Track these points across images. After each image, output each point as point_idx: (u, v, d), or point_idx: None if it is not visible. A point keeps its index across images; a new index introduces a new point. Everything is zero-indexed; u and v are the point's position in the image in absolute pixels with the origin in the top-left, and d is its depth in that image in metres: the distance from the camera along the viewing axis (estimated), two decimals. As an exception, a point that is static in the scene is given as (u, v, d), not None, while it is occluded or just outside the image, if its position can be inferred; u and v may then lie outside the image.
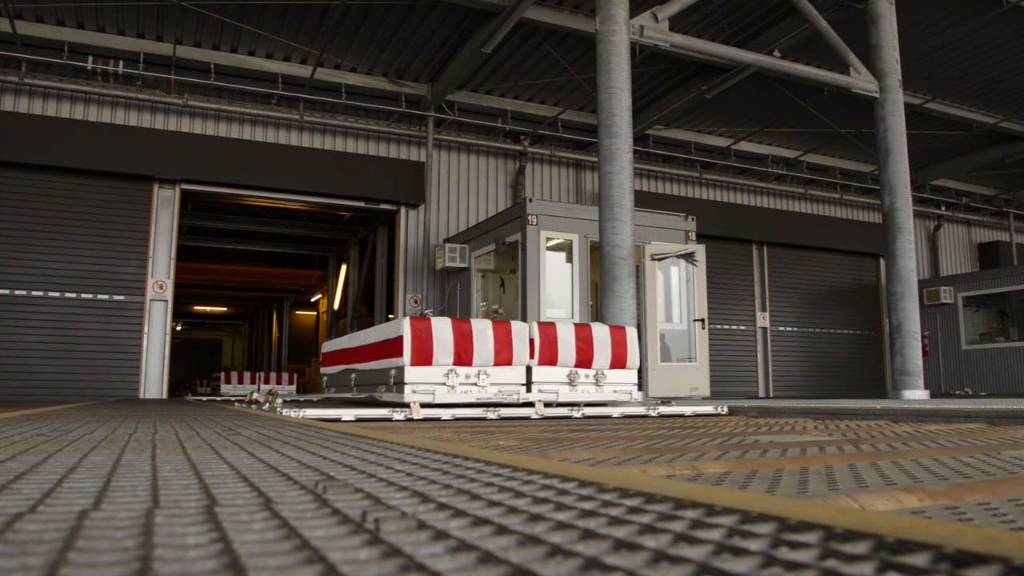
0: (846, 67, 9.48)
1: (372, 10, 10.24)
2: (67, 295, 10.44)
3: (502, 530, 0.79)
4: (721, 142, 14.94)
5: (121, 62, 10.78)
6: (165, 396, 10.85)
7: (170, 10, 10.08)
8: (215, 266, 21.37)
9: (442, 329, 5.34)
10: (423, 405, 5.20)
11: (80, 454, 1.75)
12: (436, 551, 0.69)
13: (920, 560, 0.62)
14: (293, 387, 16.12)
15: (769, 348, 15.26)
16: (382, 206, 12.69)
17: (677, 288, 10.16)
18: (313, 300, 24.60)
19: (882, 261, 14.79)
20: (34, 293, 10.30)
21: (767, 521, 0.80)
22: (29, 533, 0.77)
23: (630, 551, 0.69)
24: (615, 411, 5.76)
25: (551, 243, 9.87)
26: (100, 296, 10.58)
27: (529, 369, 5.69)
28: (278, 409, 4.91)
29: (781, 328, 15.54)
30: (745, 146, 15.16)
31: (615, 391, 6.04)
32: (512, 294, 10.99)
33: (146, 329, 10.73)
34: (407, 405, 5.18)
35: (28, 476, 1.30)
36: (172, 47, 10.80)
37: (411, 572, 0.62)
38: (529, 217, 9.62)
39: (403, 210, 12.72)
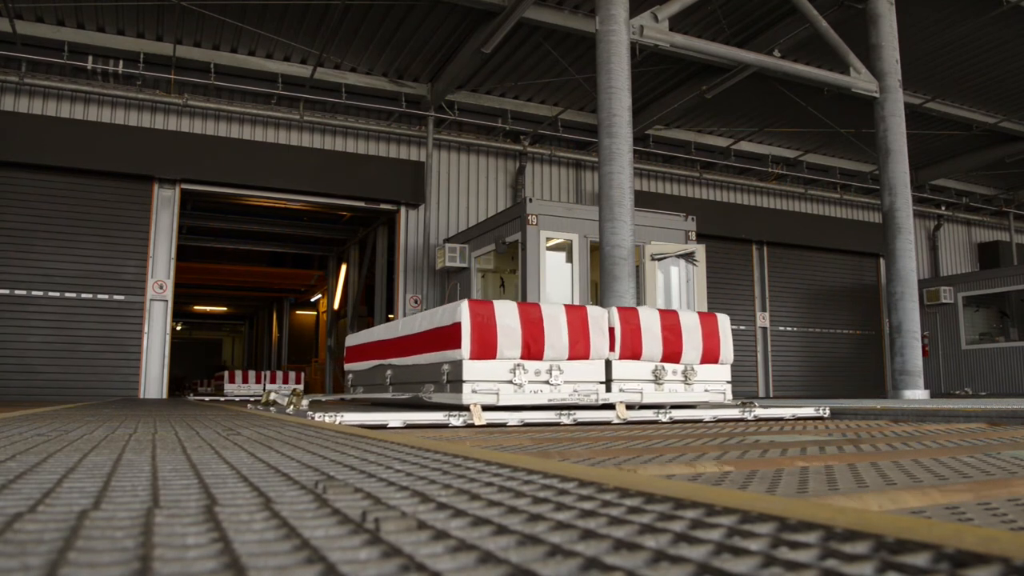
0: (846, 67, 9.48)
1: (372, 10, 10.24)
2: (67, 295, 10.44)
3: (502, 530, 0.79)
4: (721, 142, 14.94)
5: (121, 62, 10.78)
6: (165, 396, 10.86)
7: (170, 10, 10.08)
8: (215, 266, 21.37)
9: (507, 315, 4.54)
10: (484, 408, 4.39)
11: (80, 454, 1.75)
12: (436, 551, 0.69)
13: (920, 560, 0.62)
14: (300, 387, 15.87)
15: (769, 348, 15.27)
16: (382, 206, 12.68)
17: (677, 288, 10.16)
18: (313, 300, 24.60)
19: (882, 261, 14.79)
20: (34, 293, 10.30)
21: (767, 521, 0.80)
22: (29, 533, 0.77)
23: (630, 551, 0.69)
24: (706, 414, 4.97)
25: (551, 243, 9.87)
26: (100, 296, 10.58)
27: (609, 364, 4.93)
28: (310, 414, 4.10)
29: (781, 328, 15.55)
30: (745, 146, 15.16)
31: (706, 390, 5.28)
32: (512, 294, 10.99)
33: (146, 329, 10.73)
34: (465, 408, 4.35)
35: (28, 476, 1.30)
36: (172, 47, 10.79)
37: (411, 572, 0.62)
38: (529, 217, 9.61)
39: (403, 210, 12.72)
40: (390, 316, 14.02)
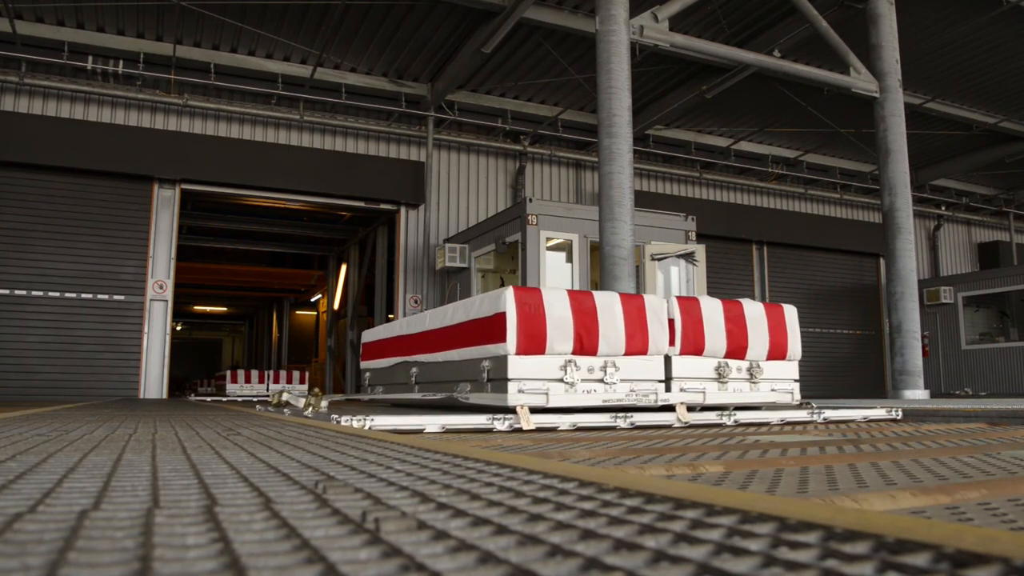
0: (846, 67, 9.48)
1: (372, 10, 10.24)
2: (67, 295, 10.44)
3: (502, 530, 0.79)
4: (721, 142, 14.94)
5: (121, 62, 10.78)
6: (165, 396, 10.85)
7: (170, 10, 10.08)
8: (215, 266, 21.37)
9: (558, 304, 4.06)
10: (531, 410, 3.87)
11: (80, 454, 1.75)
12: (436, 551, 0.69)
13: (920, 560, 0.62)
14: (305, 386, 15.31)
15: (769, 348, 15.25)
16: (382, 206, 12.68)
17: (677, 288, 10.16)
18: (313, 300, 24.60)
19: (882, 261, 14.78)
20: (34, 293, 10.30)
21: (767, 521, 0.80)
22: (29, 533, 0.77)
23: (630, 551, 0.69)
24: (773, 416, 4.52)
25: (551, 243, 9.87)
26: (100, 296, 10.58)
27: (668, 360, 4.48)
28: (335, 418, 3.59)
29: (781, 328, 15.52)
30: (745, 146, 15.16)
31: (773, 389, 4.82)
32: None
33: (146, 329, 10.73)
34: (509, 410, 3.86)
35: (28, 476, 1.30)
36: (172, 47, 10.79)
37: (411, 572, 0.62)
38: (529, 217, 9.61)
39: (403, 210, 12.71)
40: (390, 316, 14.02)
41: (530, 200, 9.76)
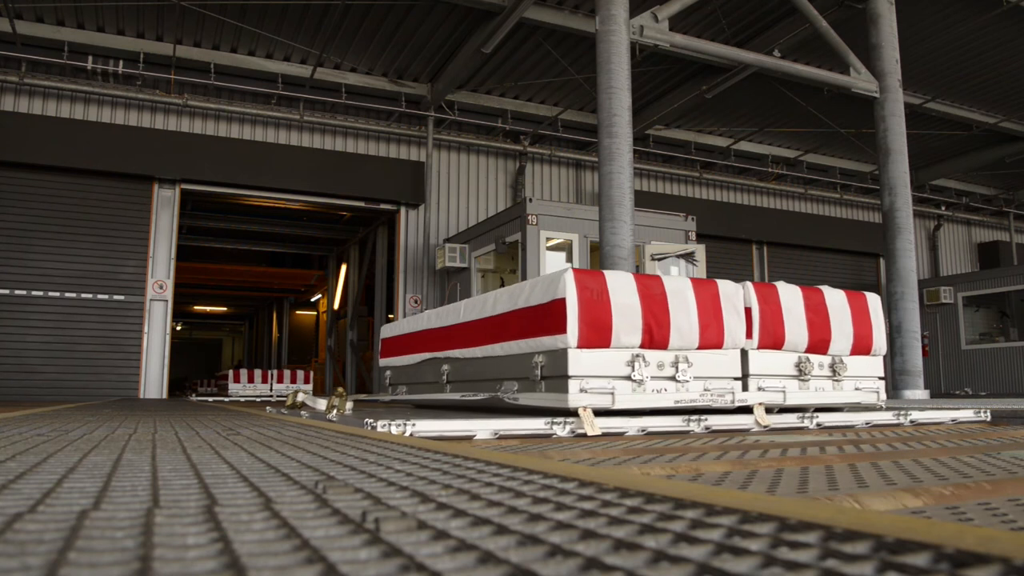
0: (846, 67, 9.48)
1: (372, 10, 10.24)
2: (67, 295, 10.44)
3: (502, 530, 0.79)
4: (721, 142, 14.94)
5: (121, 62, 10.78)
6: (165, 396, 10.85)
7: (170, 10, 10.08)
8: (215, 266, 21.37)
9: (623, 289, 3.57)
10: (595, 412, 3.39)
11: (80, 454, 1.75)
12: (436, 551, 0.69)
13: (920, 560, 0.62)
14: (309, 386, 14.91)
15: (769, 348, 15.26)
16: (382, 206, 12.68)
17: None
18: (313, 300, 24.59)
19: (882, 261, 14.78)
20: (34, 293, 10.30)
21: (767, 521, 0.80)
22: (29, 533, 0.77)
23: (630, 551, 0.69)
24: (857, 418, 4.11)
25: (551, 243, 9.87)
26: (100, 296, 10.58)
27: (745, 355, 3.99)
28: (368, 422, 3.07)
29: (781, 328, 15.53)
30: (745, 146, 15.16)
31: (857, 388, 4.36)
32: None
33: (146, 329, 10.73)
34: (569, 412, 3.40)
35: (28, 476, 1.30)
36: (172, 47, 10.79)
37: (411, 572, 0.62)
38: (529, 217, 9.61)
39: (403, 210, 12.72)
40: (390, 316, 14.01)
41: (530, 200, 9.76)
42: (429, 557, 0.66)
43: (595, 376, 3.48)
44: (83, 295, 10.50)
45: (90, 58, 10.66)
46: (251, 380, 14.75)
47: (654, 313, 3.60)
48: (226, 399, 12.67)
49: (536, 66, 11.85)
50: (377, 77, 12.13)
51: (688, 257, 10.12)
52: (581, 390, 3.43)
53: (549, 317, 3.56)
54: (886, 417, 4.19)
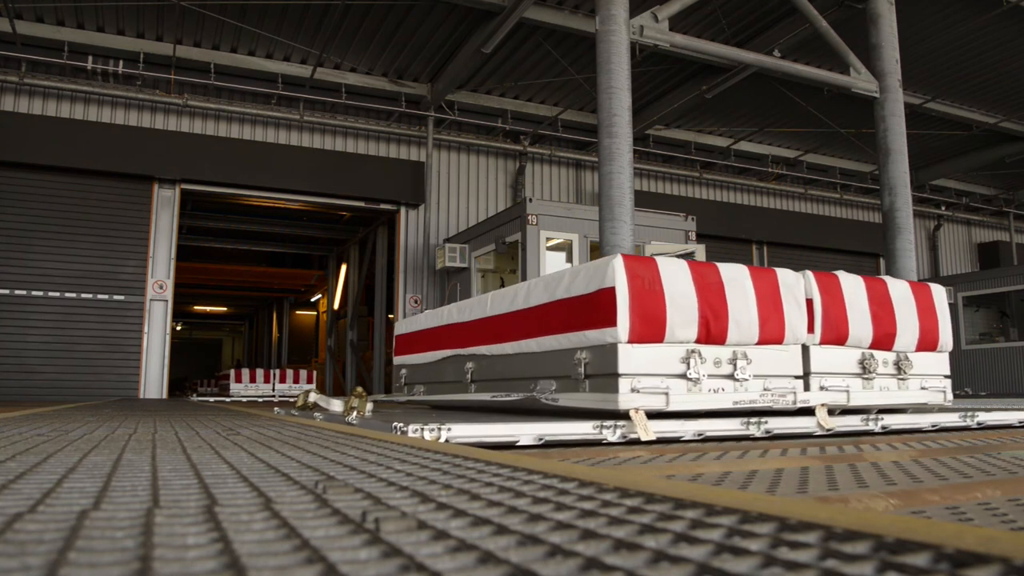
0: (846, 67, 9.48)
1: (372, 10, 10.24)
2: (67, 295, 10.43)
3: (502, 530, 0.79)
4: (721, 142, 14.94)
5: (121, 62, 10.78)
6: (165, 396, 10.85)
7: (170, 10, 10.08)
8: (215, 266, 21.37)
9: (677, 278, 3.26)
10: (649, 415, 3.07)
11: (80, 454, 1.75)
12: (436, 551, 0.69)
13: (920, 560, 0.62)
14: (312, 386, 14.51)
15: (769, 348, 15.26)
16: (382, 206, 12.69)
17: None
18: (313, 300, 24.60)
19: (882, 261, 14.78)
20: (34, 293, 10.30)
21: (767, 521, 0.80)
22: (29, 533, 0.77)
23: (630, 551, 0.69)
24: (923, 420, 3.87)
25: (551, 243, 9.87)
26: (100, 296, 10.58)
27: (806, 351, 3.66)
28: (397, 427, 2.77)
29: (781, 328, 15.54)
30: (745, 146, 15.16)
31: (923, 387, 4.03)
32: (512, 294, 10.94)
33: (146, 329, 10.73)
34: (618, 415, 3.08)
35: (28, 476, 1.30)
36: (172, 47, 10.79)
37: (411, 572, 0.62)
38: (529, 217, 9.61)
39: (403, 210, 12.72)
40: (390, 316, 14.02)
41: (530, 200, 9.76)
42: (429, 557, 0.66)
43: (647, 374, 3.14)
44: (83, 295, 10.50)
45: (90, 58, 10.66)
46: (253, 380, 14.55)
47: (711, 304, 3.27)
48: (227, 399, 12.62)
49: (536, 66, 11.85)
50: (377, 77, 12.13)
51: (688, 257, 10.12)
52: (632, 390, 3.09)
53: (595, 308, 3.23)
54: (952, 419, 3.97)
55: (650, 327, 3.14)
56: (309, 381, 14.95)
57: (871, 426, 3.65)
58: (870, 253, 16.73)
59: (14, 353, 10.07)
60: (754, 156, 15.38)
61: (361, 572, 0.62)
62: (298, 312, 26.74)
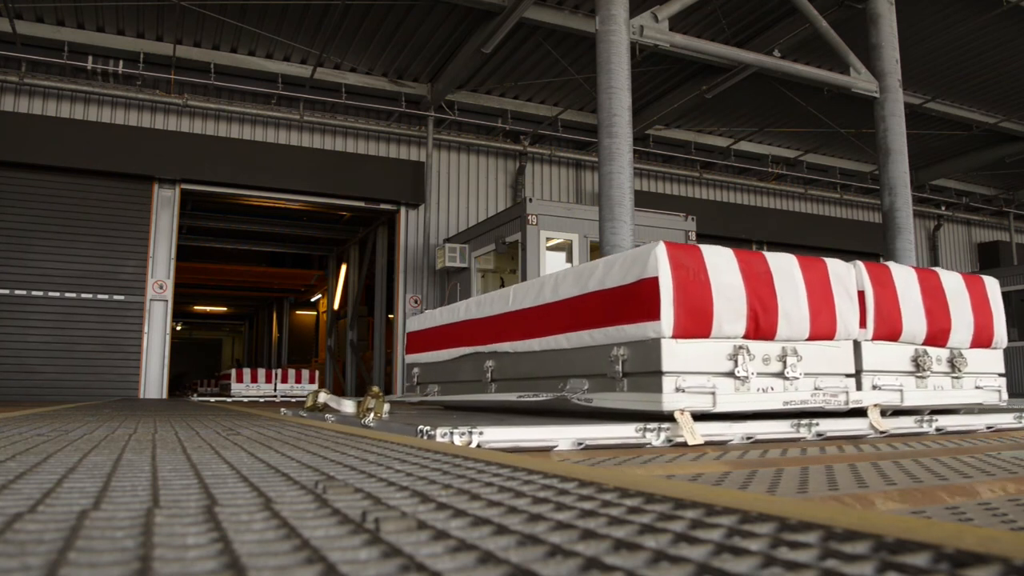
0: (846, 67, 9.48)
1: (372, 10, 10.24)
2: (67, 295, 10.44)
3: (502, 530, 0.79)
4: (721, 142, 14.94)
5: (121, 62, 10.78)
6: (165, 396, 10.85)
7: (170, 10, 10.08)
8: (215, 266, 21.37)
9: (724, 268, 3.03)
10: (693, 417, 2.83)
11: (80, 454, 1.75)
12: (436, 551, 0.69)
13: (920, 560, 0.62)
14: (315, 386, 14.33)
15: (769, 348, 15.26)
16: (382, 206, 12.69)
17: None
18: (313, 300, 24.61)
19: (882, 261, 14.78)
20: (34, 293, 10.30)
21: (767, 521, 0.80)
22: (29, 533, 0.77)
23: (630, 551, 0.69)
24: (978, 422, 3.64)
25: (551, 243, 9.87)
26: (100, 296, 10.58)
27: (858, 347, 3.42)
28: (423, 430, 2.51)
29: (781, 328, 15.54)
30: (745, 146, 15.16)
31: (978, 387, 3.81)
32: (512, 294, 10.93)
33: (146, 329, 10.73)
34: (662, 417, 2.85)
35: (28, 476, 1.30)
36: (172, 47, 10.79)
37: (411, 572, 0.62)
38: (529, 217, 9.61)
39: (403, 210, 12.72)
40: (390, 316, 14.01)
41: (530, 200, 9.76)
42: (429, 557, 0.66)
43: (693, 372, 2.91)
44: (83, 295, 10.50)
45: (90, 58, 10.66)
46: (254, 380, 14.28)
47: (760, 296, 3.04)
48: (228, 399, 12.58)
49: (536, 66, 11.85)
50: (377, 77, 12.13)
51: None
52: (677, 389, 2.86)
53: (635, 301, 2.98)
54: (1007, 420, 3.73)
55: (696, 321, 2.92)
56: (311, 381, 14.72)
57: (925, 428, 3.44)
58: (870, 253, 16.71)
59: (14, 353, 10.07)
60: (754, 156, 15.38)
61: (361, 572, 0.62)
62: (298, 312, 26.74)
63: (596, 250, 8.95)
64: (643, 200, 12.49)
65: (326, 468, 1.43)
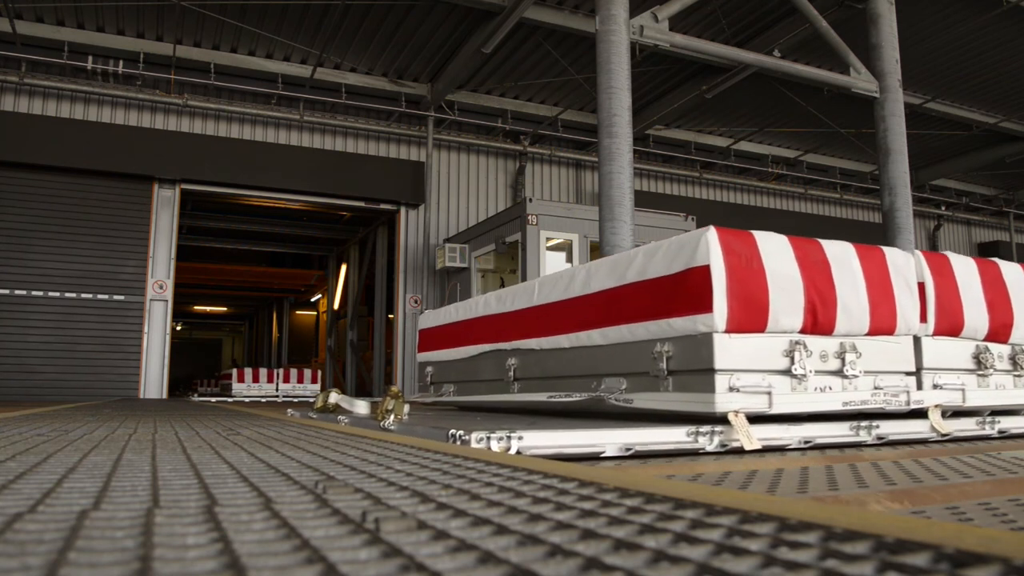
0: (846, 67, 9.48)
1: (372, 10, 10.24)
2: (67, 295, 10.44)
3: (502, 530, 0.79)
4: (721, 142, 14.94)
5: (121, 62, 10.79)
6: (165, 396, 10.85)
7: (170, 10, 10.08)
8: (215, 266, 21.37)
9: (779, 256, 2.80)
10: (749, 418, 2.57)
11: (80, 454, 1.75)
12: (436, 551, 0.69)
13: (920, 560, 0.62)
14: (317, 386, 14.32)
15: (769, 348, 15.26)
16: (382, 206, 12.69)
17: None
18: (313, 300, 24.61)
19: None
20: (34, 293, 10.30)
21: (767, 521, 0.80)
22: (29, 533, 0.77)
23: (630, 551, 0.69)
24: None
25: (551, 243, 9.87)
26: (100, 296, 10.58)
27: (918, 343, 3.18)
28: (455, 435, 2.26)
29: (781, 328, 15.54)
30: (745, 146, 15.16)
31: None
32: (512, 294, 10.93)
33: (146, 329, 10.73)
34: (714, 419, 2.59)
35: (28, 476, 1.30)
36: (172, 47, 10.79)
37: (411, 572, 0.62)
38: (529, 217, 9.61)
39: (403, 210, 12.72)
40: (390, 316, 14.01)
41: (530, 200, 9.76)
42: (429, 557, 0.66)
43: (747, 370, 2.64)
44: (83, 295, 10.50)
45: (90, 58, 10.66)
46: (256, 380, 14.04)
47: (817, 287, 2.80)
48: (229, 400, 12.56)
49: (536, 66, 11.85)
50: (377, 77, 12.13)
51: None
52: (731, 388, 2.59)
53: (682, 292, 2.73)
54: None
55: (750, 314, 2.65)
56: (313, 381, 14.49)
57: (987, 430, 3.22)
58: (870, 253, 16.73)
59: (14, 353, 10.07)
60: (754, 156, 15.38)
61: (361, 572, 0.62)
62: (298, 312, 26.75)
63: (596, 250, 8.95)
64: (643, 200, 12.48)
65: (326, 468, 1.43)
